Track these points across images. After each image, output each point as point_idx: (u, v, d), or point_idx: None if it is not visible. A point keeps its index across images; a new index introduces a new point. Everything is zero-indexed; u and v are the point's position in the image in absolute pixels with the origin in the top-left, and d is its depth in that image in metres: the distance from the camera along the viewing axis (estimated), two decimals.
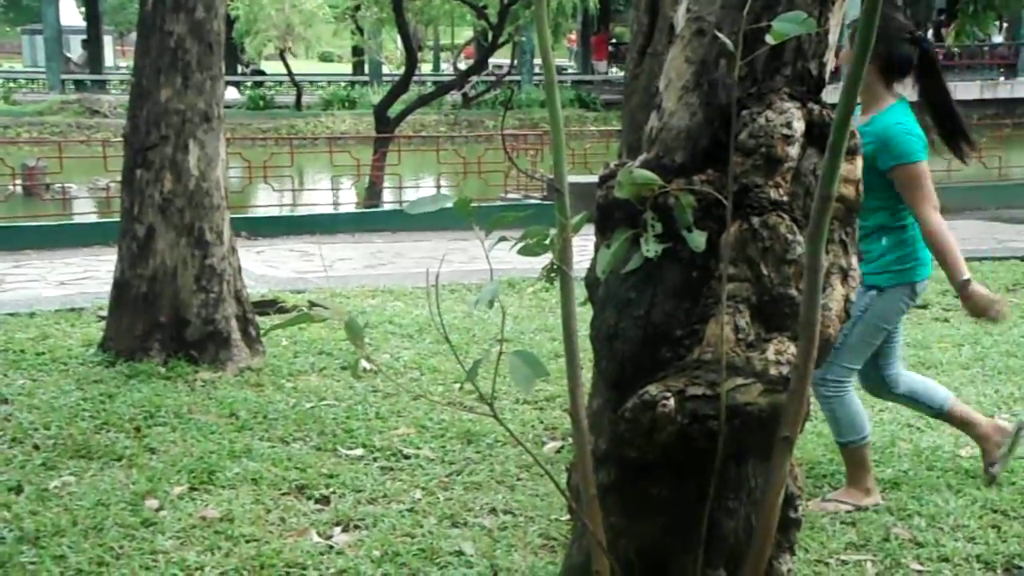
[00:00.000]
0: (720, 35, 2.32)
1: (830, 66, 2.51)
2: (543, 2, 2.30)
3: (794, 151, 2.37)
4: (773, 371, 2.29)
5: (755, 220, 2.35)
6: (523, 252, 2.45)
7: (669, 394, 2.31)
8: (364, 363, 6.05)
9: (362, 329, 2.27)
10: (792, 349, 2.31)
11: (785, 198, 2.37)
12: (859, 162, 2.47)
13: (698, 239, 2.38)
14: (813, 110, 2.39)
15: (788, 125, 2.36)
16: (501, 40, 14.27)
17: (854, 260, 2.47)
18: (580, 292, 2.53)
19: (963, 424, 4.32)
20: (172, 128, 5.85)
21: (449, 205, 2.39)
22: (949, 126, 4.12)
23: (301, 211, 13.00)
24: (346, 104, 31.71)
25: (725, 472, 2.39)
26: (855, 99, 1.98)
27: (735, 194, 2.34)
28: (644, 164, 2.55)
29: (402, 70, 43.24)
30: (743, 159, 2.37)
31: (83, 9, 45.93)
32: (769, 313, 2.36)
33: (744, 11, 2.27)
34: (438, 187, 12.96)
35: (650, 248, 2.43)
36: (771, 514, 2.29)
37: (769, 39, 2.22)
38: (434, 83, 28.10)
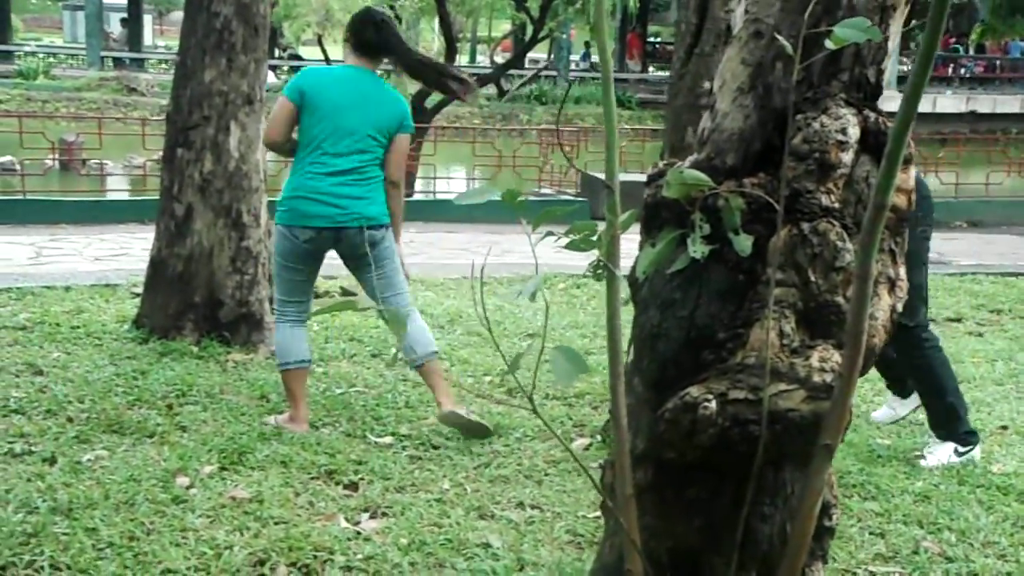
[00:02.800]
0: (779, 38, 2.30)
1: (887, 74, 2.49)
2: (601, 5, 2.29)
3: (848, 158, 2.36)
4: (817, 378, 2.28)
5: (805, 226, 2.34)
6: (570, 247, 2.44)
7: (711, 396, 2.30)
8: (394, 350, 6.09)
9: (405, 319, 2.27)
10: (836, 357, 2.29)
11: (836, 205, 2.36)
12: (912, 171, 2.45)
13: (745, 242, 2.37)
14: (869, 117, 2.37)
15: (843, 131, 2.34)
16: (541, 35, 14.25)
17: (902, 270, 2.46)
18: (625, 291, 2.52)
19: None
20: (215, 109, 5.88)
21: (496, 197, 2.38)
22: (432, 77, 4.98)
23: None
24: None
25: (762, 477, 2.38)
26: (916, 108, 1.96)
27: (786, 199, 2.33)
28: (694, 165, 2.54)
29: (439, 58, 43.21)
30: (796, 164, 2.36)
31: None
32: (814, 320, 2.35)
33: (805, 14, 2.25)
34: (471, 180, 12.95)
35: (697, 249, 2.42)
36: (808, 521, 2.28)
37: (829, 44, 2.20)
38: (470, 75, 28.10)
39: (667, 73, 37.15)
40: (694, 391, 2.33)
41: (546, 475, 4.40)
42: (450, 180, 14.85)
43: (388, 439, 4.72)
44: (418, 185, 13.96)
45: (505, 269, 8.61)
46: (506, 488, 4.23)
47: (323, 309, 2.26)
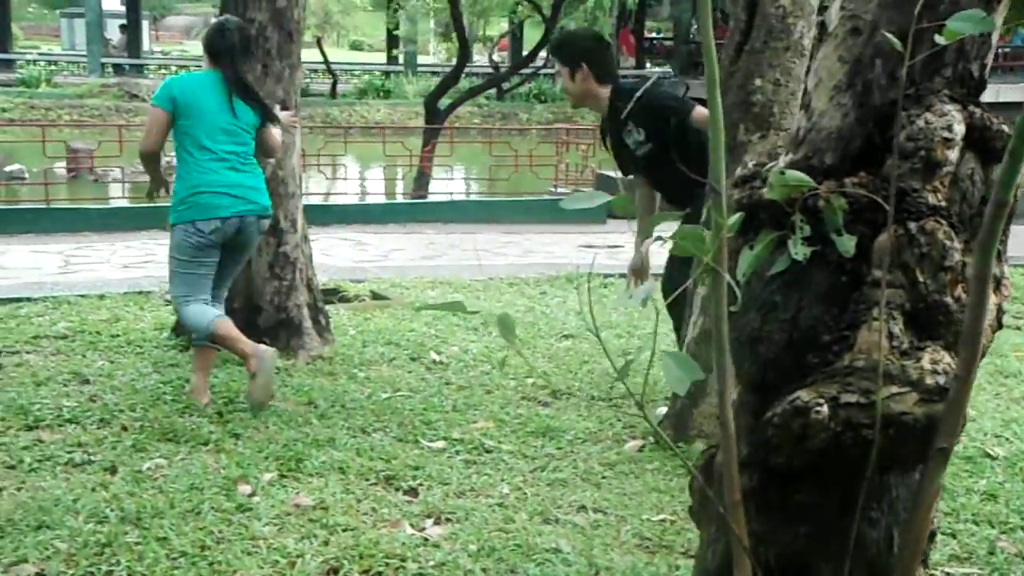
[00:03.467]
0: (887, 35, 2.29)
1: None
2: (706, 3, 2.28)
3: (953, 155, 2.34)
4: (929, 380, 2.26)
5: (912, 225, 2.32)
6: (676, 252, 2.42)
7: (822, 401, 2.28)
8: (434, 354, 6.08)
9: (515, 324, 2.25)
10: (947, 359, 2.28)
11: (943, 203, 2.34)
12: None
13: (849, 243, 2.35)
14: (974, 113, 2.36)
15: (948, 128, 2.33)
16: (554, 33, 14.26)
17: (1006, 268, 2.44)
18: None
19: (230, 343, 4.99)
20: None
21: (603, 201, 2.36)
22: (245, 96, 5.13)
23: (341, 200, 13.05)
24: (381, 93, 31.77)
25: (870, 481, 2.37)
26: None
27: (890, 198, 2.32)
28: (791, 165, 2.52)
29: (434, 59, 42.97)
30: (901, 162, 2.34)
31: None
32: (923, 321, 2.33)
33: (914, 9, 2.24)
34: (488, 180, 12.94)
35: (798, 251, 2.40)
36: (923, 526, 2.26)
37: (940, 39, 2.19)
38: (470, 75, 28.05)
39: (664, 69, 37.34)
40: (804, 395, 2.31)
41: (603, 478, 4.38)
42: (469, 181, 14.83)
43: (440, 443, 4.70)
44: (435, 186, 13.96)
45: (532, 269, 8.60)
46: (565, 492, 4.22)
47: (431, 306, 2.24)
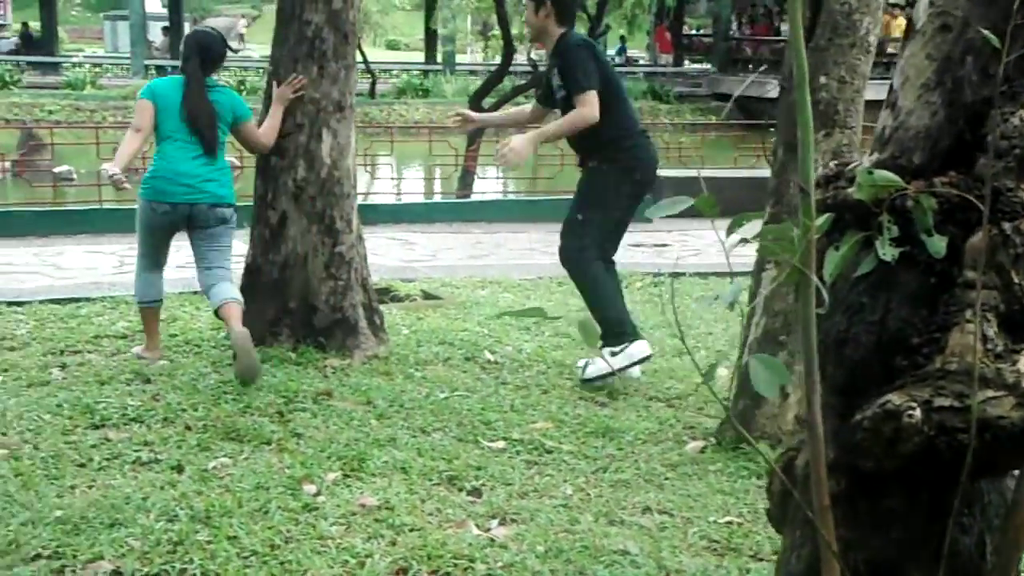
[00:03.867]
0: (985, 32, 2.25)
1: None
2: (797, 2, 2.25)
3: None
4: None
5: (1007, 225, 2.28)
6: (763, 252, 2.40)
7: (915, 404, 2.25)
8: (488, 354, 6.08)
9: (596, 329, 2.24)
10: None
11: None
12: None
13: (939, 244, 2.32)
14: None
15: None
16: (599, 32, 14.25)
17: None
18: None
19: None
20: (307, 116, 5.89)
21: (687, 206, 2.34)
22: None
23: (384, 200, 13.09)
24: (419, 93, 31.81)
25: (962, 487, 2.34)
26: None
27: (984, 197, 2.29)
28: (877, 164, 2.49)
29: (470, 58, 42.90)
30: (994, 161, 2.31)
31: None
32: (1017, 323, 2.30)
33: (1009, 5, 2.21)
34: (534, 179, 12.93)
35: (886, 252, 2.37)
36: (1018, 533, 2.23)
37: None
38: (510, 73, 28.03)
39: (705, 66, 37.21)
40: (895, 399, 2.28)
41: (666, 479, 4.37)
42: (512, 180, 14.82)
43: (501, 443, 4.70)
44: (479, 185, 13.96)
45: None
46: (629, 493, 4.21)
47: (512, 312, 2.23)
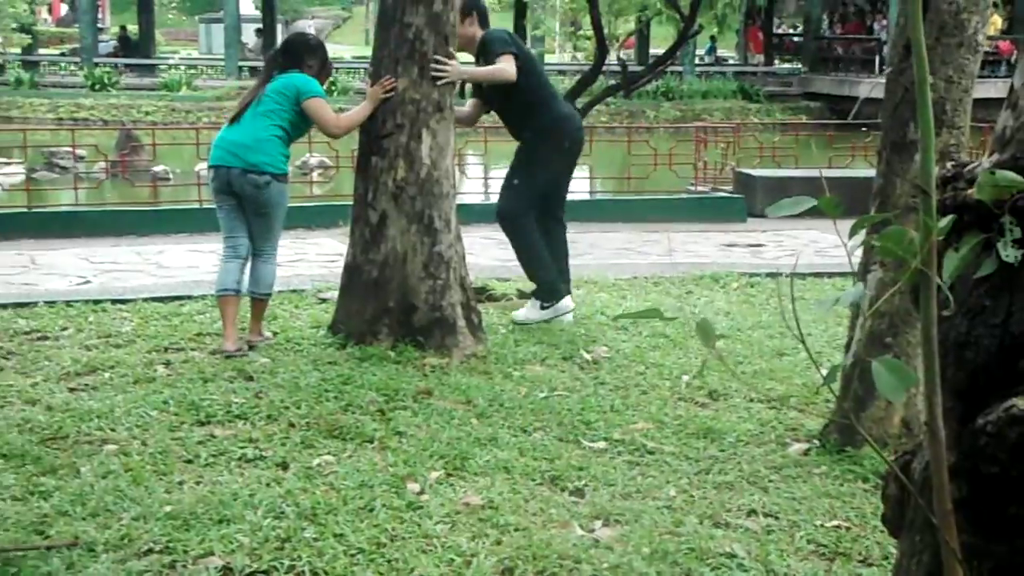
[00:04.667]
0: None
1: None
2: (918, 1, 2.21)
3: None
4: None
5: None
6: (883, 254, 2.37)
7: None
8: (585, 354, 6.08)
9: (714, 330, 2.22)
10: None
11: None
12: None
13: None
14: None
15: None
16: (691, 31, 14.14)
17: None
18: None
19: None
20: (407, 117, 5.94)
21: (809, 206, 2.31)
22: None
23: (477, 200, 13.15)
24: None
25: None
26: None
27: None
28: (997, 165, 2.43)
29: (558, 58, 42.89)
30: None
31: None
32: None
33: None
34: (629, 179, 12.89)
35: (1008, 253, 2.32)
36: None
37: None
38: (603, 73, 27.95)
39: (795, 65, 36.77)
40: (1020, 403, 2.23)
41: (770, 482, 4.32)
42: (604, 180, 14.78)
43: (602, 444, 4.70)
44: (573, 185, 13.92)
45: (679, 268, 8.53)
46: (733, 495, 4.17)
47: (628, 315, 2.22)
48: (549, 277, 6.72)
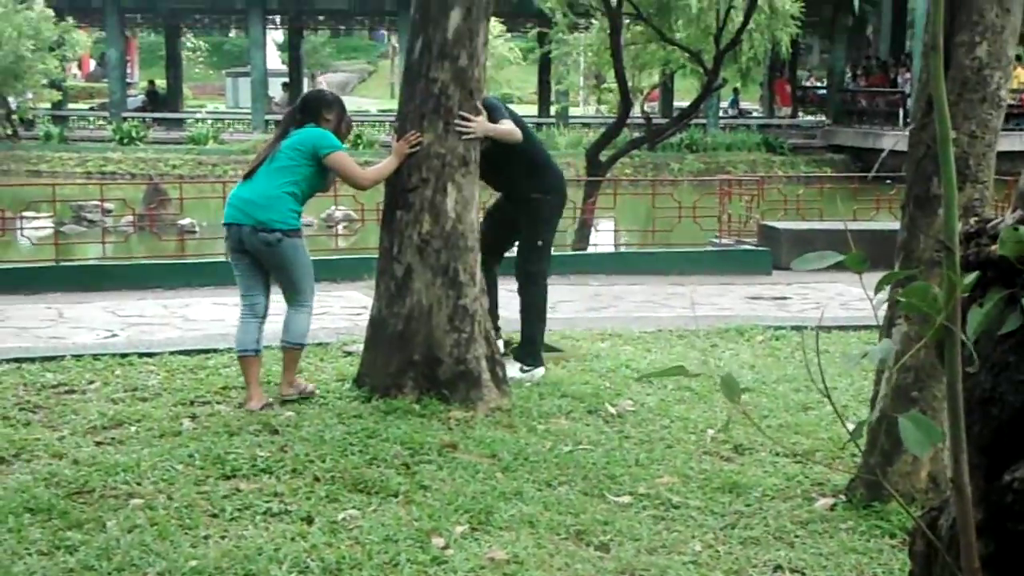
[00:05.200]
0: None
1: None
2: (939, 59, 2.24)
3: None
4: None
5: None
6: (906, 309, 2.38)
7: None
8: (610, 407, 6.07)
9: (738, 385, 2.23)
10: None
11: None
12: None
13: None
14: None
15: None
16: (715, 85, 14.28)
17: None
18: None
19: None
20: (432, 171, 5.99)
21: (835, 261, 2.32)
22: None
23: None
24: None
25: None
26: None
27: None
28: (1020, 221, 2.45)
29: (582, 111, 43.17)
30: None
31: (283, 53, 48.02)
32: None
33: None
34: (653, 231, 12.92)
35: None
36: None
37: None
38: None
39: (819, 118, 36.87)
40: None
41: (796, 537, 4.30)
42: (628, 232, 14.82)
43: (627, 498, 4.68)
44: (595, 237, 13.99)
45: (703, 322, 8.52)
46: (759, 550, 4.15)
47: (653, 373, 2.23)
48: (542, 341, 6.93)
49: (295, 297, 6.05)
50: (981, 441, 2.46)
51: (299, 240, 6.00)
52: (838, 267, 2.34)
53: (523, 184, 6.87)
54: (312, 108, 6.19)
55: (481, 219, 6.69)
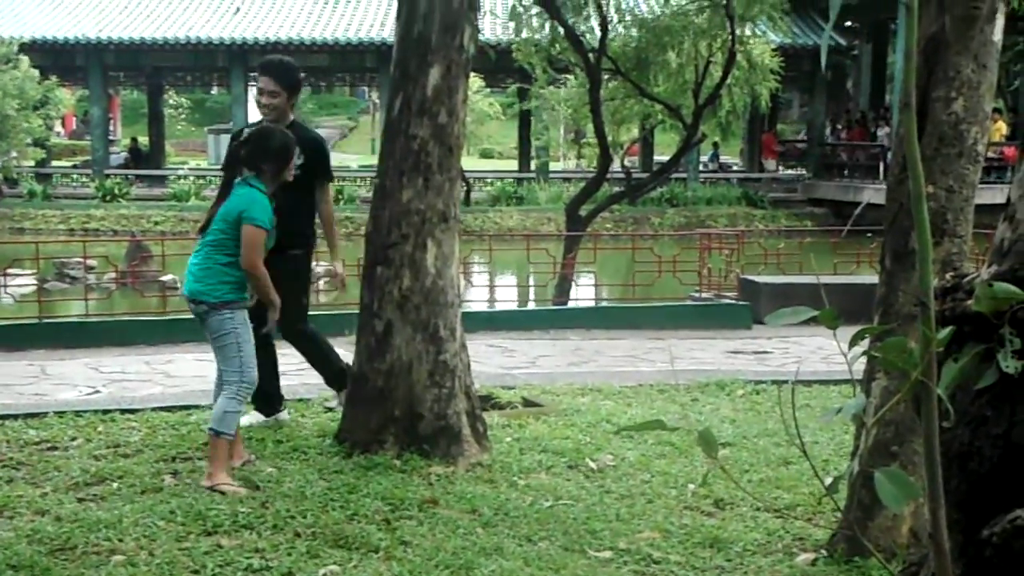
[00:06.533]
0: None
1: None
2: (912, 116, 2.28)
3: None
4: None
5: None
6: (884, 365, 2.41)
7: None
8: (590, 462, 6.07)
9: (716, 440, 2.25)
10: None
11: None
12: None
13: None
14: None
15: None
16: (694, 140, 14.42)
17: None
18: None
19: None
20: (412, 227, 6.02)
21: (808, 316, 2.35)
22: None
23: (481, 307, 13.22)
24: (513, 200, 32.28)
25: None
26: None
27: None
28: (996, 276, 2.48)
29: (562, 166, 43.38)
30: None
31: None
32: None
33: None
34: (634, 286, 12.98)
35: (1009, 364, 2.36)
36: None
37: None
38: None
39: (799, 171, 37.20)
40: None
41: None
42: (609, 287, 14.87)
43: (607, 553, 4.67)
44: (577, 292, 14.04)
45: (683, 376, 8.55)
46: None
47: (632, 427, 2.24)
48: (341, 363, 6.91)
49: (226, 375, 5.57)
50: (960, 496, 2.48)
51: (229, 314, 5.52)
52: (818, 320, 2.36)
53: (301, 233, 6.65)
54: (252, 157, 5.68)
55: None
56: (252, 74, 38.47)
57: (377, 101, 44.13)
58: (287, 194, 5.99)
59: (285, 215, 5.98)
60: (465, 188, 29.95)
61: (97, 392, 8.17)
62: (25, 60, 27.65)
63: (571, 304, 13.71)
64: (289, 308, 6.06)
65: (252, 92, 43.48)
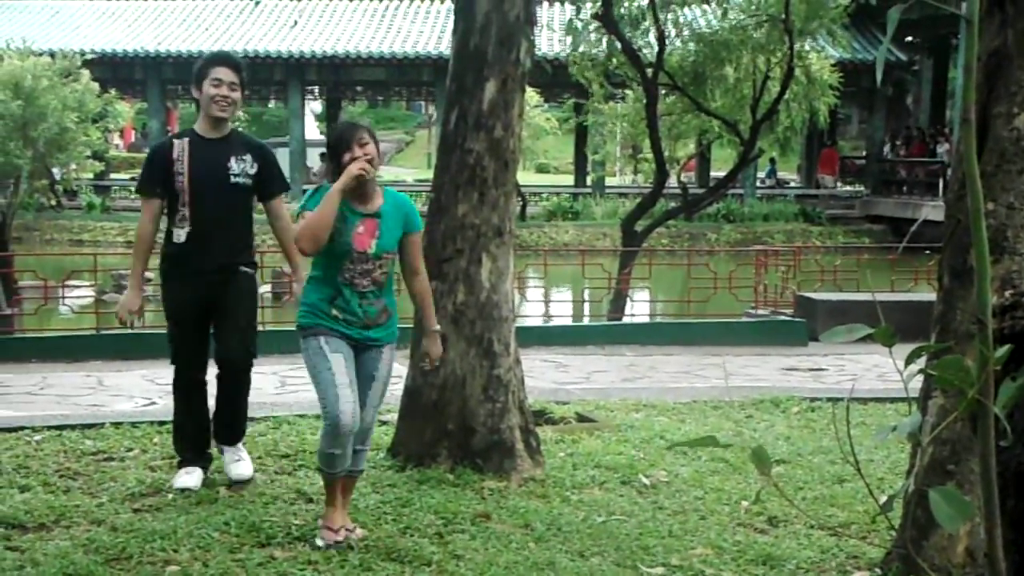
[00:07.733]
0: None
1: None
2: (971, 132, 2.27)
3: None
4: None
5: None
6: (940, 383, 2.38)
7: None
8: (643, 478, 6.05)
9: (770, 457, 2.24)
10: None
11: None
12: None
13: None
14: None
15: None
16: (751, 155, 14.36)
17: None
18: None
19: None
20: (467, 242, 6.05)
21: (864, 334, 2.33)
22: None
23: (536, 322, 13.22)
24: (569, 215, 32.29)
25: None
26: None
27: None
28: None
29: (619, 181, 43.31)
30: None
31: (321, 124, 48.67)
32: None
33: None
34: (689, 302, 12.93)
35: None
36: None
37: None
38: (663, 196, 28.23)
39: (858, 188, 36.84)
40: None
41: None
42: (664, 303, 14.83)
43: (660, 570, 4.65)
44: (632, 308, 14.02)
45: (737, 393, 8.50)
46: None
47: (684, 442, 2.23)
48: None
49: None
50: (1016, 516, 2.45)
51: (303, 342, 4.96)
52: (874, 338, 2.34)
53: (240, 250, 5.86)
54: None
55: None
56: (309, 88, 38.96)
57: (433, 115, 44.35)
58: (238, 206, 5.74)
59: (236, 229, 5.77)
60: (521, 203, 30.01)
61: (153, 404, 8.28)
62: (86, 73, 28.07)
63: (626, 320, 13.68)
64: (248, 332, 5.80)
65: (309, 106, 43.95)
